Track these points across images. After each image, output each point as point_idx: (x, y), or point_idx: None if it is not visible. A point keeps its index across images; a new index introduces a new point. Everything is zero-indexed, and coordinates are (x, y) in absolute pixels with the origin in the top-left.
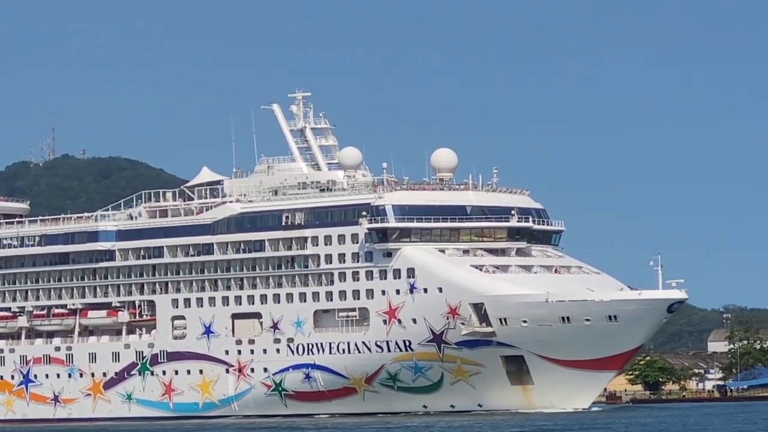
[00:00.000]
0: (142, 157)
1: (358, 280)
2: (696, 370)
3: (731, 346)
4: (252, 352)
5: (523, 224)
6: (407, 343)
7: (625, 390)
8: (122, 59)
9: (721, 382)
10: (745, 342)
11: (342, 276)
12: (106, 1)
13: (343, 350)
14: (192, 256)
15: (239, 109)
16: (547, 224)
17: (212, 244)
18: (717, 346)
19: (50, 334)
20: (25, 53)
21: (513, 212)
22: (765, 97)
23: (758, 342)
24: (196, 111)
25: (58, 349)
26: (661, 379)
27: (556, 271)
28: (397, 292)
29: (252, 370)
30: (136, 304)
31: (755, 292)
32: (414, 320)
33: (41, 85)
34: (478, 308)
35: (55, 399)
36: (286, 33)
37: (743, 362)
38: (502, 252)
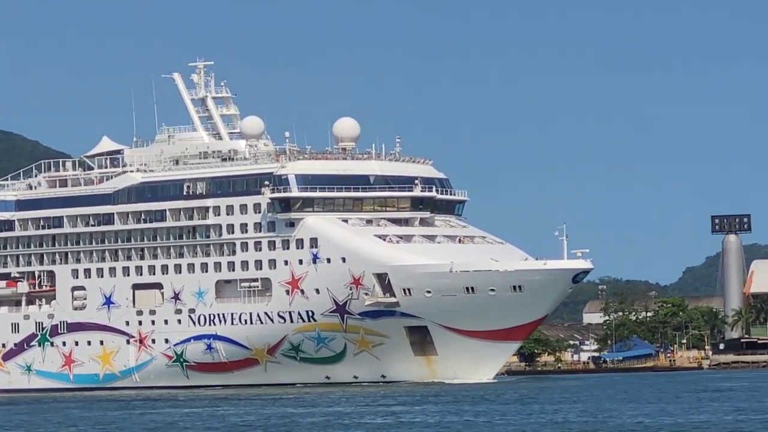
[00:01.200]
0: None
1: (260, 250)
2: (571, 342)
3: (606, 317)
4: (153, 322)
5: (426, 194)
6: (310, 314)
7: None
8: (6, 22)
9: (596, 354)
10: (620, 314)
11: (244, 246)
12: None
13: (245, 321)
14: (92, 226)
15: (140, 79)
16: (451, 194)
17: (113, 213)
18: (592, 317)
19: None
20: None
21: (416, 182)
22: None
23: (633, 313)
24: (92, 82)
25: None
26: (536, 351)
27: (459, 241)
28: (300, 262)
29: (153, 341)
30: (36, 275)
31: (630, 265)
32: (317, 290)
33: None
34: (382, 278)
35: None
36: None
37: (618, 334)
38: (406, 222)
